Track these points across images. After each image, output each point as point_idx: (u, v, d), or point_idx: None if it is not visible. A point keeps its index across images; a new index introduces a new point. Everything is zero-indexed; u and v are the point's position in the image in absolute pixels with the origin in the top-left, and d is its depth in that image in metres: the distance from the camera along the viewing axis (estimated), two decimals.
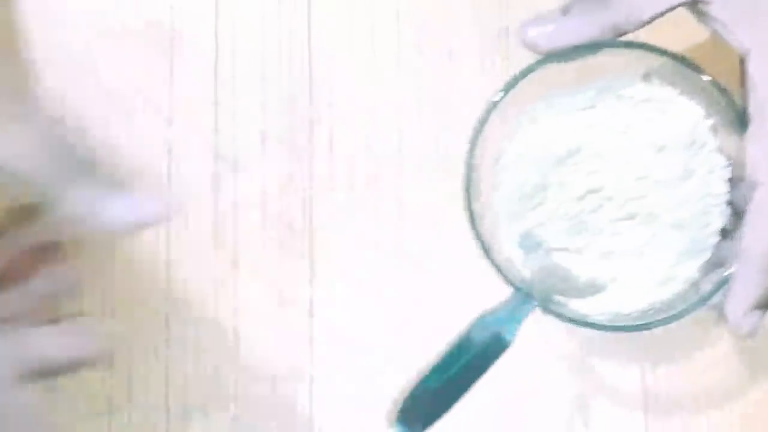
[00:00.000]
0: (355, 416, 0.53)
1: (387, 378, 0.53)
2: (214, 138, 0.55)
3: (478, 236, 0.44)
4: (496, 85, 0.54)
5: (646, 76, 0.45)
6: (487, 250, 0.44)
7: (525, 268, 0.46)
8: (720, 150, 0.45)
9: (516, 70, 0.54)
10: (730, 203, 0.45)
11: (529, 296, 0.43)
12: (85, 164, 0.36)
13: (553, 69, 0.44)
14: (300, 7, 0.55)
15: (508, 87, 0.44)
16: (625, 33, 0.43)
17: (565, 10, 0.43)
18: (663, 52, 0.44)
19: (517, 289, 0.43)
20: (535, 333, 0.46)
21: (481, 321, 0.43)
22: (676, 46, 0.45)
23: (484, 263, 0.44)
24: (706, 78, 0.44)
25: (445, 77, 0.55)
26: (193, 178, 0.55)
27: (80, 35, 0.56)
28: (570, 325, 0.44)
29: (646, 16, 0.43)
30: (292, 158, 0.55)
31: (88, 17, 0.56)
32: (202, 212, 0.54)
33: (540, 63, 0.44)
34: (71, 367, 0.38)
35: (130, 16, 0.56)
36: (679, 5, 0.43)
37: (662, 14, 0.43)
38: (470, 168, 0.44)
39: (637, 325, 0.44)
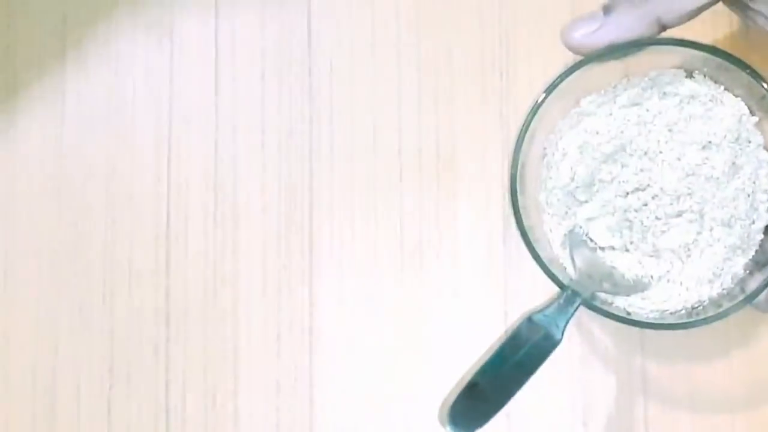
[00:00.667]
0: (355, 417, 0.53)
1: (387, 378, 0.53)
2: (214, 137, 0.55)
3: (524, 234, 0.43)
4: (496, 86, 0.54)
5: (690, 73, 0.45)
6: (533, 248, 0.43)
7: (570, 265, 0.45)
8: (765, 147, 0.45)
9: (516, 70, 0.54)
10: None
11: (576, 294, 0.43)
12: None
13: (597, 67, 0.44)
14: (300, 7, 0.55)
15: (551, 87, 0.43)
16: (668, 27, 0.43)
17: (607, 9, 0.43)
18: (707, 49, 0.43)
19: (564, 287, 0.43)
20: None
21: (529, 320, 0.42)
22: (715, 44, 0.44)
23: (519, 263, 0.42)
24: (750, 74, 0.43)
25: (445, 77, 0.55)
26: (193, 178, 0.55)
27: (79, 35, 0.56)
28: (617, 323, 0.44)
29: (688, 8, 0.42)
30: (292, 158, 0.55)
31: (87, 17, 0.56)
32: (202, 212, 0.54)
33: (582, 63, 0.43)
34: None
35: (131, 16, 0.56)
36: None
37: (706, 7, 0.43)
38: (516, 167, 0.43)
39: (682, 323, 0.44)
